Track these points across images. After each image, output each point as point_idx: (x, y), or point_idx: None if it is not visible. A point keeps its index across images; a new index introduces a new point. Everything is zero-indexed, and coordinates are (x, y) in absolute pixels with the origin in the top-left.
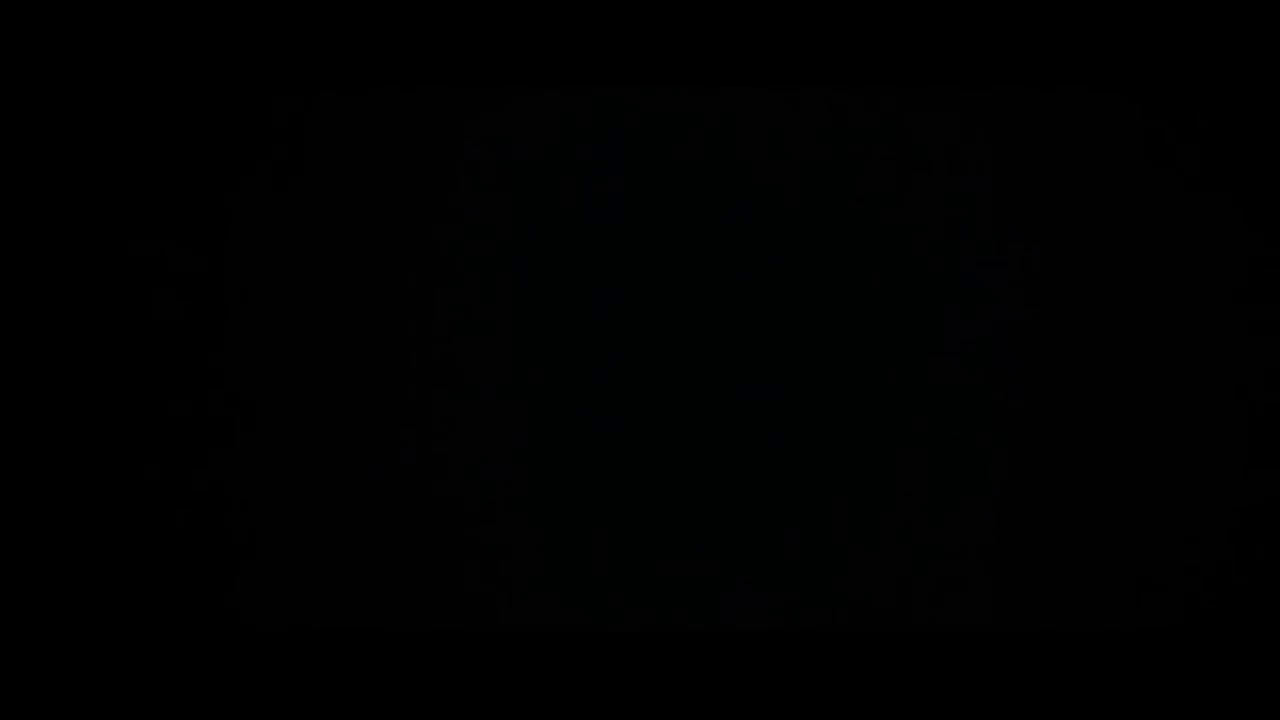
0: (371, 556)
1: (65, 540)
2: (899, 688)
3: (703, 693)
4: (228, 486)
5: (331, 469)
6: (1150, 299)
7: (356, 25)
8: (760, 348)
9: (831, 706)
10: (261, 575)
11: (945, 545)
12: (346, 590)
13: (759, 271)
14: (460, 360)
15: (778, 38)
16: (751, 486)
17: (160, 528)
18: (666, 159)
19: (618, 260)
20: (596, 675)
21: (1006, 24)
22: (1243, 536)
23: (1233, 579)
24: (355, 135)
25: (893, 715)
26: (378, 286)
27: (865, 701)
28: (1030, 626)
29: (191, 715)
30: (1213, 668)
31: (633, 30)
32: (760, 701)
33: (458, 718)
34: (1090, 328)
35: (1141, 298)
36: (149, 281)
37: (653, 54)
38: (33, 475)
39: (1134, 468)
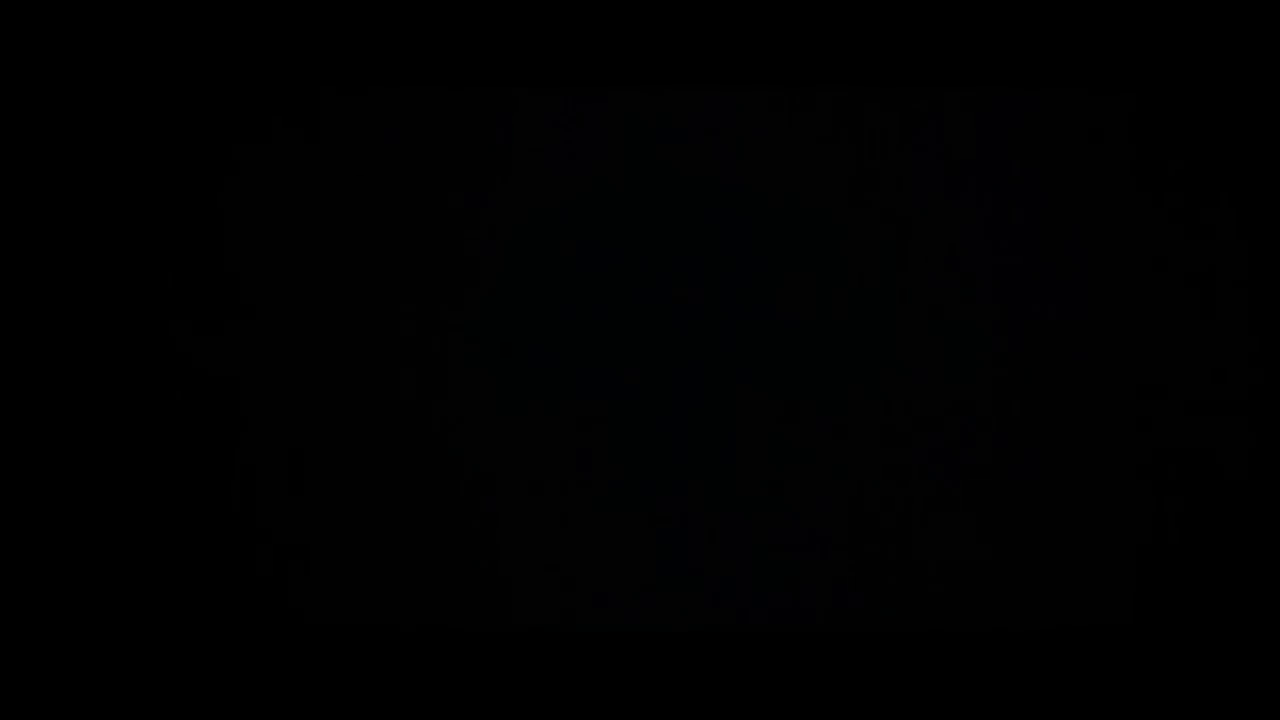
0: (370, 556)
1: (73, 538)
2: (896, 688)
3: (703, 693)
4: (229, 485)
5: (331, 468)
6: (1147, 299)
7: (359, 25)
8: (758, 348)
9: (831, 706)
10: (264, 574)
11: (942, 546)
12: (346, 589)
13: (757, 271)
14: (462, 360)
15: (777, 38)
16: (750, 487)
17: (163, 527)
18: (666, 159)
19: (620, 260)
20: (596, 675)
21: (1007, 24)
22: (1240, 535)
23: (1230, 578)
24: (356, 134)
25: (891, 715)
26: (378, 285)
27: (865, 701)
28: (1026, 626)
29: (194, 712)
30: (1206, 666)
31: (633, 30)
32: (759, 701)
33: (459, 717)
34: (1089, 327)
35: (1139, 298)
36: (153, 280)
37: (653, 54)
38: (43, 476)
39: (1132, 468)
